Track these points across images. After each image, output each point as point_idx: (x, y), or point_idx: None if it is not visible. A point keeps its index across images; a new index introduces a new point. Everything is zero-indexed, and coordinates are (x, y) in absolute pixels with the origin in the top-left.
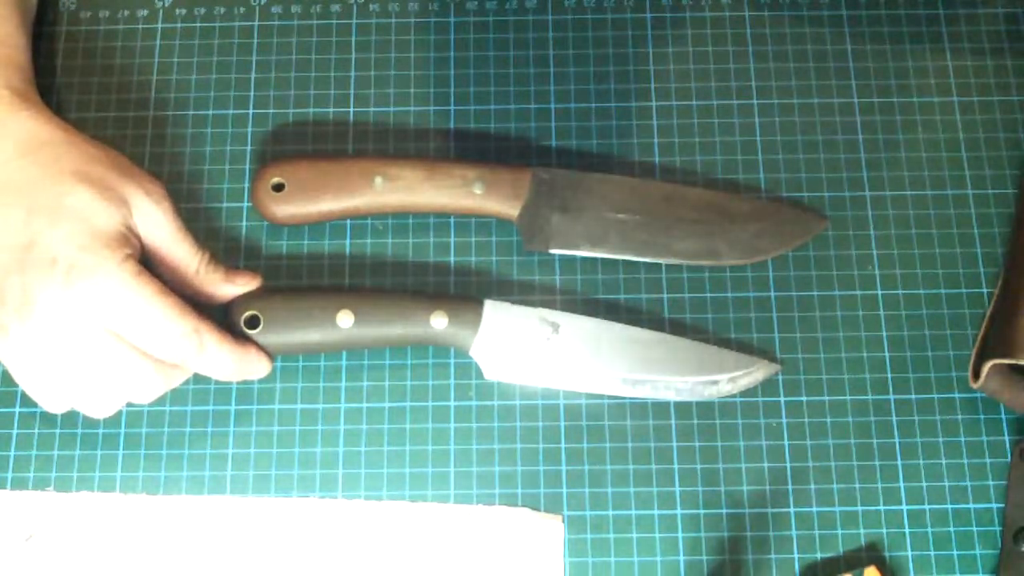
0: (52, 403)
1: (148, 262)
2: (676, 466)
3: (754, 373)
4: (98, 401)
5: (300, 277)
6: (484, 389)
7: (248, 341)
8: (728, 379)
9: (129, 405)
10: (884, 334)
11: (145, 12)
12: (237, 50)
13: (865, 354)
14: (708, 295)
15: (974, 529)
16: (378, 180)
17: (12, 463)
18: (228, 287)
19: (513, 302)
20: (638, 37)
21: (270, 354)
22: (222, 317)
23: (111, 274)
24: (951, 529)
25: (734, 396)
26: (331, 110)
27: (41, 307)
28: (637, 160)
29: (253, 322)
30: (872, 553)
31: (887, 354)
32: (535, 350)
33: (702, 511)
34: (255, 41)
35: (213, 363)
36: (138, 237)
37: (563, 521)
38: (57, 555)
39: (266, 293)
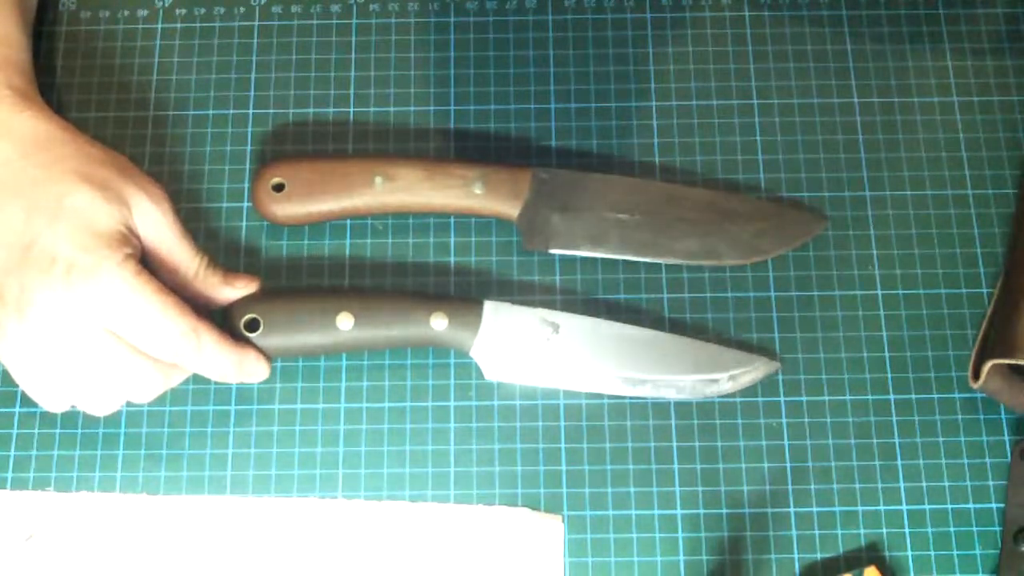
0: (51, 402)
1: (147, 264)
2: (676, 466)
3: (754, 371)
4: (97, 400)
5: (300, 277)
6: (484, 389)
7: (247, 343)
8: (728, 377)
9: (129, 405)
10: (884, 334)
11: (145, 12)
12: (237, 50)
13: (865, 354)
14: (708, 295)
15: (974, 529)
16: (378, 180)
17: (12, 463)
18: (227, 290)
19: (513, 302)
20: (638, 37)
21: (270, 357)
22: (221, 321)
23: (111, 274)
24: (951, 529)
25: (734, 396)
26: (331, 110)
27: (40, 306)
28: (637, 160)
29: (253, 325)
30: (872, 553)
31: (887, 354)
32: (535, 350)
33: (702, 511)
34: (255, 41)
35: (211, 364)
36: (138, 238)
37: (563, 521)
38: (57, 555)
39: (265, 296)
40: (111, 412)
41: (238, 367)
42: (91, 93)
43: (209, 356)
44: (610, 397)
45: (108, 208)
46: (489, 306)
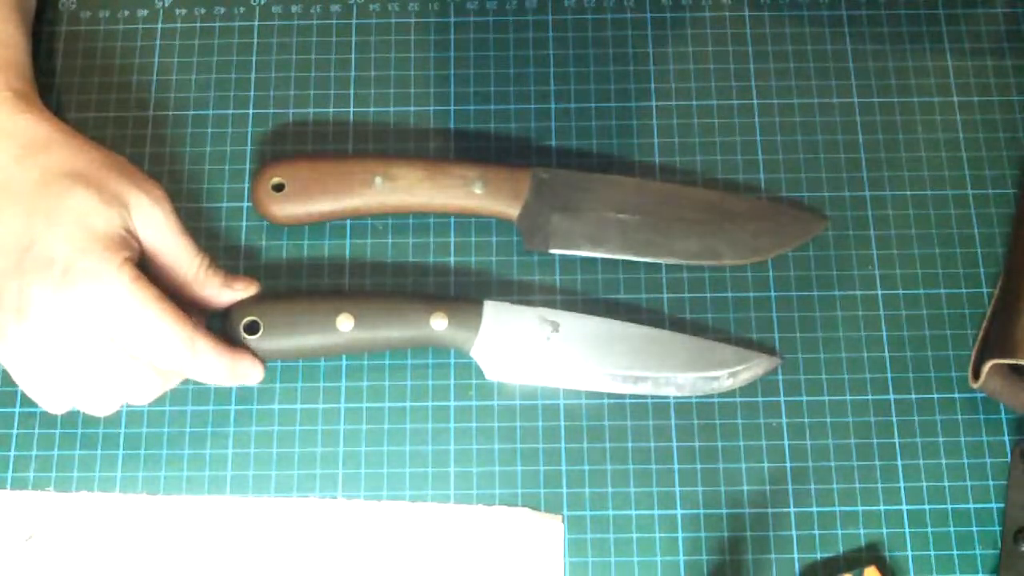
0: (51, 403)
1: (147, 265)
2: (676, 466)
3: (754, 367)
4: (96, 401)
5: (300, 277)
6: (484, 389)
7: (242, 347)
8: (728, 374)
9: (129, 405)
10: (884, 334)
11: (145, 12)
12: (237, 50)
13: (865, 354)
14: (708, 295)
15: (974, 529)
16: (378, 180)
17: (12, 463)
18: (226, 292)
19: (513, 302)
20: (638, 37)
21: (267, 360)
22: (221, 323)
23: (108, 278)
24: (951, 529)
25: (734, 395)
26: (331, 110)
27: (37, 309)
28: (637, 160)
29: (253, 327)
30: (872, 553)
31: (887, 354)
32: (535, 349)
33: (702, 511)
34: (255, 41)
35: (206, 369)
36: (137, 240)
37: (563, 521)
38: (57, 555)
39: (265, 298)
40: (111, 413)
41: (232, 372)
42: (91, 93)
43: (204, 362)
44: (610, 397)
45: (106, 211)
46: (489, 306)
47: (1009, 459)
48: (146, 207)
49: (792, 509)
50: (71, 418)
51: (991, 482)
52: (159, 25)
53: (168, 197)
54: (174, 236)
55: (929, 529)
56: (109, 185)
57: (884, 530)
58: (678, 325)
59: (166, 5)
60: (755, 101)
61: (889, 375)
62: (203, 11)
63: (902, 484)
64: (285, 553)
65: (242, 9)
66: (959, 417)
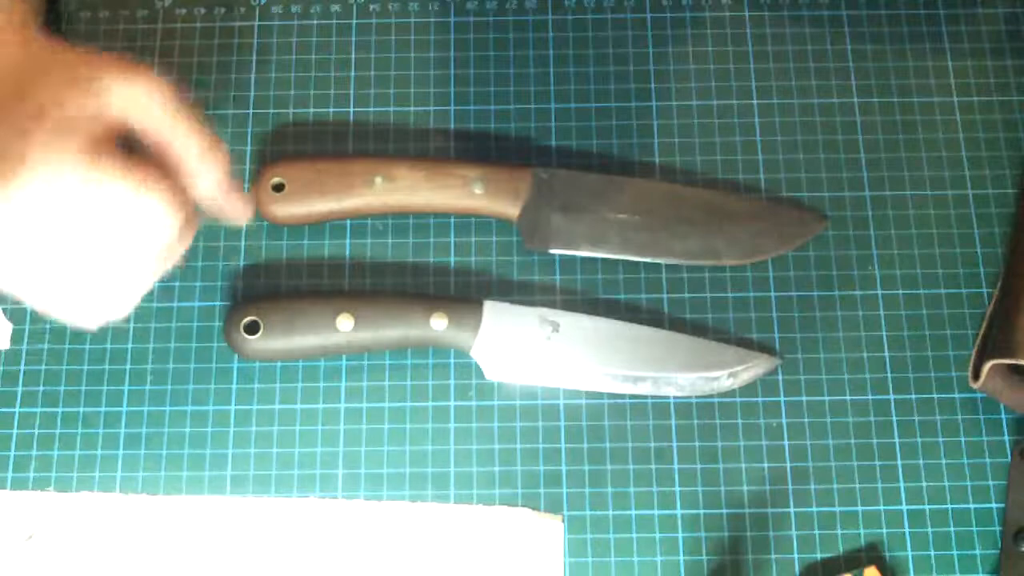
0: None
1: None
2: (676, 466)
3: (754, 368)
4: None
5: (300, 277)
6: (484, 389)
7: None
8: (728, 374)
9: (128, 405)
10: (884, 334)
11: (145, 12)
12: (237, 50)
13: (865, 354)
14: (708, 295)
15: (974, 529)
16: (378, 180)
17: (12, 463)
18: (224, 198)
19: (513, 302)
20: (638, 37)
21: (267, 360)
22: (221, 323)
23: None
24: (951, 529)
25: (734, 396)
26: (331, 110)
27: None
28: (637, 160)
29: (253, 327)
30: (872, 553)
31: (887, 354)
32: (536, 349)
33: (702, 511)
34: (255, 41)
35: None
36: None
37: (563, 521)
38: (57, 555)
39: (265, 298)
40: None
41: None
42: None
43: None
44: (610, 397)
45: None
46: (489, 306)
47: (1009, 459)
48: (136, 94)
49: (792, 509)
50: (71, 418)
51: (991, 482)
52: (159, 25)
53: (165, 86)
54: (165, 118)
55: (929, 529)
56: (90, 71)
57: (884, 530)
58: (678, 325)
59: (166, 5)
60: (755, 101)
61: (889, 375)
62: (203, 11)
63: (902, 484)
64: (285, 553)
65: (242, 9)
66: (959, 417)
